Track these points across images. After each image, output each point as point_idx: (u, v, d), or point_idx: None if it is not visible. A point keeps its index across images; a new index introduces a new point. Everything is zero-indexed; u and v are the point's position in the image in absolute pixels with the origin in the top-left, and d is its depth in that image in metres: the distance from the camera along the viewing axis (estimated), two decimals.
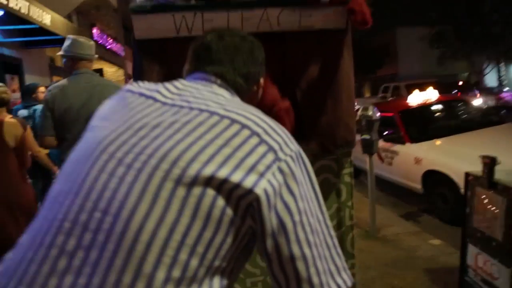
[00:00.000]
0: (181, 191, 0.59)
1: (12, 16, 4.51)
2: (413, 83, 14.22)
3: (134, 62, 1.54)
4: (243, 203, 0.61)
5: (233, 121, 0.66)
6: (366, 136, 3.50)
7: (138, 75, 1.51)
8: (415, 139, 4.41)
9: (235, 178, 0.60)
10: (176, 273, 0.57)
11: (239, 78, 0.82)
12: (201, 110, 0.68)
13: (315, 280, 0.63)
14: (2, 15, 4.58)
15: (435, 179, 3.95)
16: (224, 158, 0.61)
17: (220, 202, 0.60)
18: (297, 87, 1.62)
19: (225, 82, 0.80)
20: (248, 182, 0.60)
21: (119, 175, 0.61)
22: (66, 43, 2.23)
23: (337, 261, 0.68)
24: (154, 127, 0.66)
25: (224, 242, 0.61)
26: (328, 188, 1.76)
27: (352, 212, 1.80)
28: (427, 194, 4.13)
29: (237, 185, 0.60)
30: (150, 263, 0.56)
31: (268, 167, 0.63)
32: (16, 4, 4.20)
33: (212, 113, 0.67)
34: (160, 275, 0.56)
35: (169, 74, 1.51)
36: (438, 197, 3.93)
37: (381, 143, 4.52)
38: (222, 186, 0.60)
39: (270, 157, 0.64)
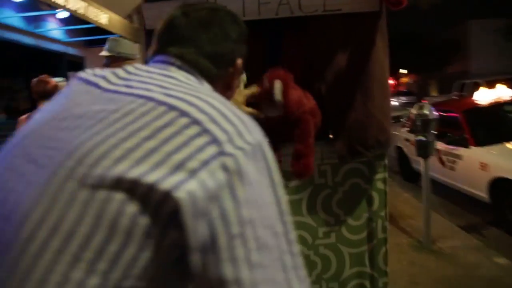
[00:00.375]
0: (83, 194, 0.46)
1: (76, 17, 4.78)
2: (497, 79, 12.60)
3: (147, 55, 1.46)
4: (165, 210, 0.47)
5: (171, 108, 0.52)
6: (421, 137, 3.17)
7: None
8: (482, 142, 3.93)
9: (150, 178, 0.46)
10: None
11: (203, 59, 0.67)
12: (138, 96, 0.54)
13: None
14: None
15: (504, 188, 3.48)
16: (144, 153, 0.48)
17: (130, 208, 0.46)
18: (322, 81, 1.43)
19: (186, 63, 0.66)
20: (166, 183, 0.46)
21: (25, 173, 0.51)
22: (111, 43, 2.24)
23: (295, 287, 0.51)
24: (77, 118, 0.54)
25: (138, 258, 0.47)
26: (358, 194, 1.55)
27: (385, 224, 1.57)
28: (494, 204, 3.66)
29: (151, 187, 0.46)
30: (34, 281, 0.45)
31: (205, 163, 0.48)
32: (74, 5, 4.42)
33: (149, 99, 0.53)
34: None
35: None
36: (507, 208, 3.45)
37: (443, 146, 4.11)
38: (134, 189, 0.46)
39: (210, 150, 0.49)
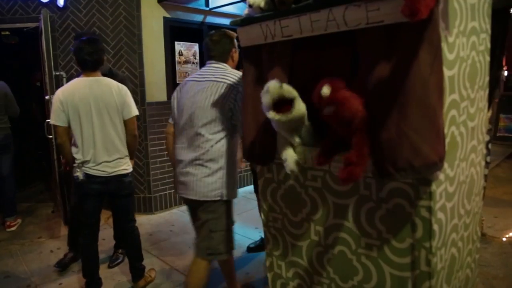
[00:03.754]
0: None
1: None
2: None
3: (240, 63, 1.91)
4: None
5: (214, 81, 2.21)
6: None
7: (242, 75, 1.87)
8: None
9: None
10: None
11: (218, 55, 2.27)
12: (208, 80, 2.21)
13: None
14: None
15: None
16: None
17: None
18: (366, 92, 1.40)
19: (215, 59, 2.29)
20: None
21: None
22: None
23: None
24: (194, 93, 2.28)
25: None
26: (401, 217, 1.43)
27: (430, 257, 1.37)
28: None
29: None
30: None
31: (227, 90, 2.16)
32: None
33: (210, 81, 2.20)
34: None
35: (260, 74, 1.75)
36: None
37: None
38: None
39: (228, 87, 2.16)
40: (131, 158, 2.86)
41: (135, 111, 2.77)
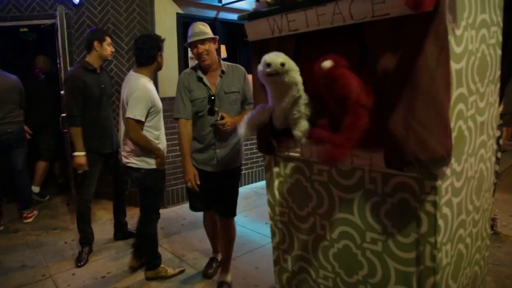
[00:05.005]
0: None
1: None
2: None
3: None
4: None
5: None
6: None
7: (250, 68, 1.87)
8: None
9: None
10: None
11: None
12: None
13: None
14: None
15: None
16: None
17: None
18: (374, 85, 1.39)
19: None
20: None
21: None
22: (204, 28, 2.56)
23: None
24: None
25: None
26: (406, 211, 1.42)
27: (435, 253, 1.36)
28: None
29: None
30: None
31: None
32: None
33: None
34: None
35: None
36: None
37: None
38: None
39: None
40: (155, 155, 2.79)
41: (130, 113, 2.60)
